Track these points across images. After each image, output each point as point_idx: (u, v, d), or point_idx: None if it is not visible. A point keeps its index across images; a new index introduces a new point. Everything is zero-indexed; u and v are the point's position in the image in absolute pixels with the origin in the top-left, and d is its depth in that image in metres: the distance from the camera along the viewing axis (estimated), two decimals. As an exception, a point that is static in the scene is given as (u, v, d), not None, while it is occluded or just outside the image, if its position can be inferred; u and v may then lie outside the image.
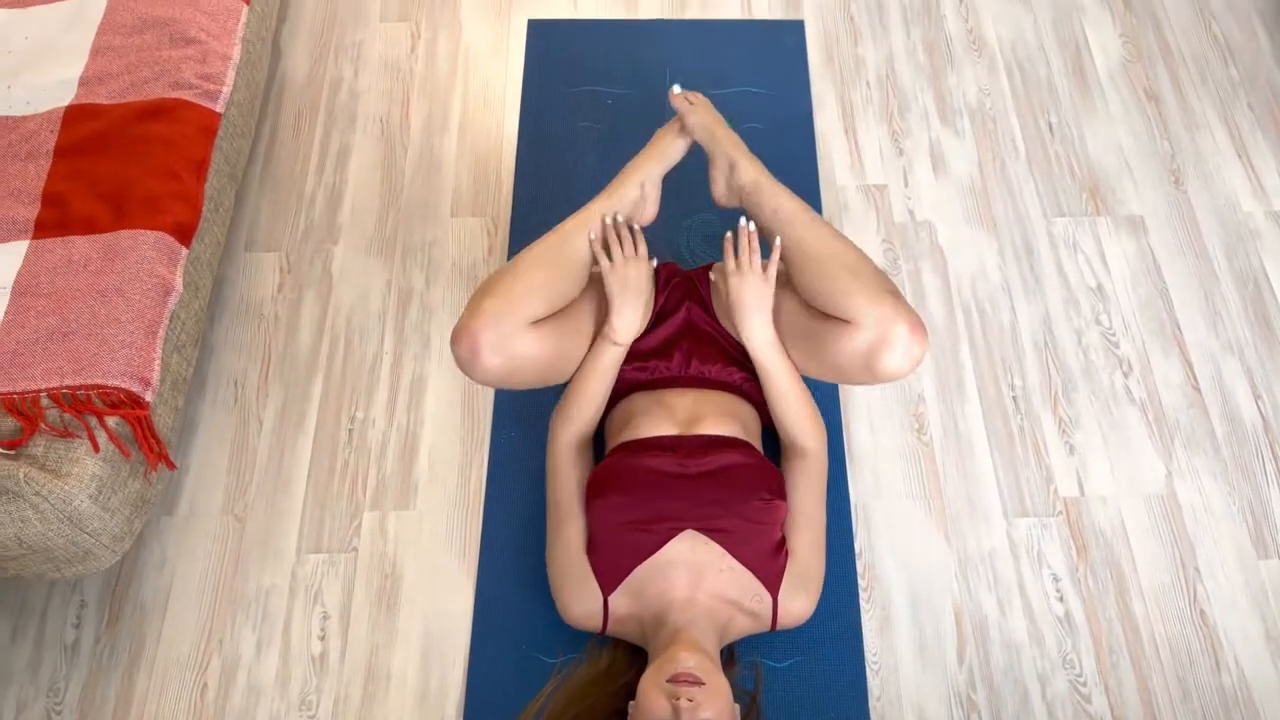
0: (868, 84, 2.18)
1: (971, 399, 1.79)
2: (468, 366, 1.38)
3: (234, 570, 1.62)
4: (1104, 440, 1.75)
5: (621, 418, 1.55)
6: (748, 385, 1.57)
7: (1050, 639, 1.57)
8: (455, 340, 1.37)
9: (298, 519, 1.67)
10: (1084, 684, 1.54)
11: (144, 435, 1.44)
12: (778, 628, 1.42)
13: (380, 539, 1.65)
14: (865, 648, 1.55)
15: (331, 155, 2.07)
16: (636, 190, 1.57)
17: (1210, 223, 1.99)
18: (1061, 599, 1.60)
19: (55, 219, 1.57)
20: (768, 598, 1.40)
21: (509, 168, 2.05)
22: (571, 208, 1.55)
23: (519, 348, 1.38)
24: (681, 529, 1.39)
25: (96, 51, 1.75)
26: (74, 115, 1.67)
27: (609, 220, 1.52)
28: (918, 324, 1.34)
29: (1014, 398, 1.79)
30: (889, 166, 2.06)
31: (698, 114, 1.60)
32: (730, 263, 1.48)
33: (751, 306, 1.47)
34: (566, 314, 1.49)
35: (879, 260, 1.93)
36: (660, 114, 2.08)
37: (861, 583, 1.61)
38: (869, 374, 1.38)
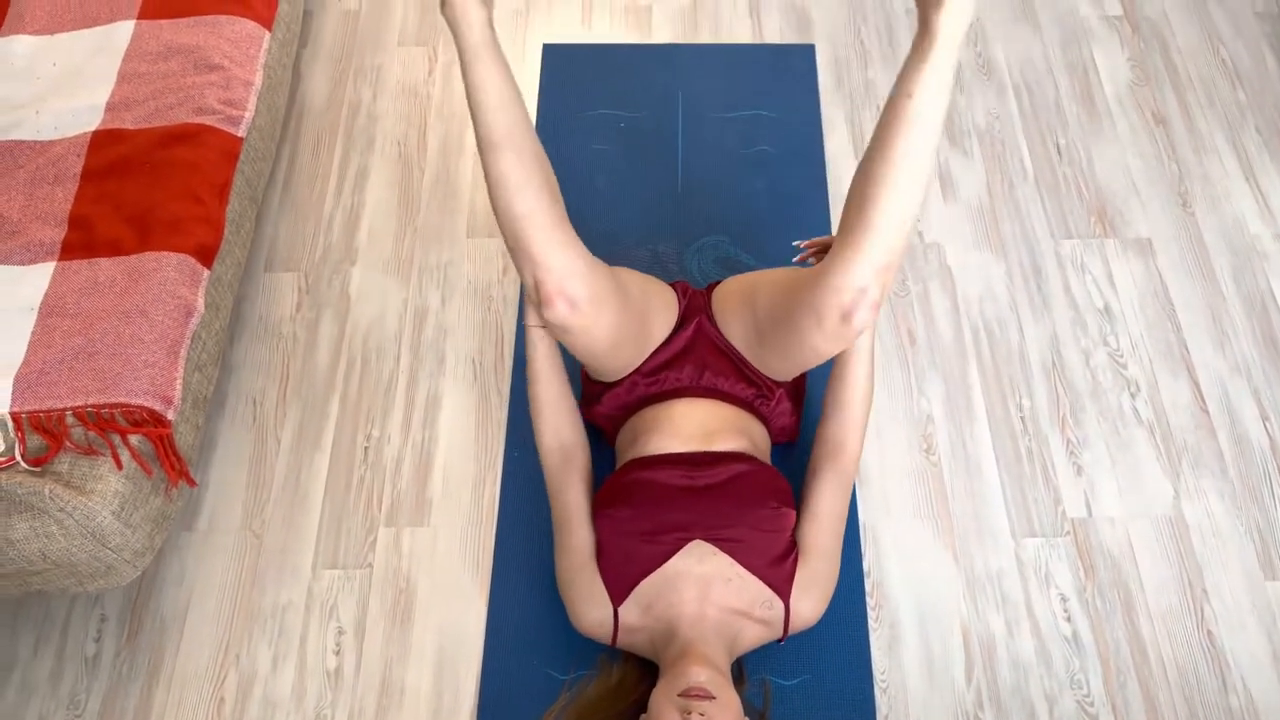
0: (878, 108, 2.20)
1: (980, 419, 1.80)
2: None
3: (251, 585, 1.65)
4: (1112, 461, 1.76)
5: (631, 434, 1.57)
6: (758, 402, 1.58)
7: (1058, 659, 1.58)
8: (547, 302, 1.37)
9: (314, 535, 1.70)
10: (1091, 704, 1.54)
11: (165, 453, 1.47)
12: (789, 633, 1.43)
13: (395, 555, 1.68)
14: (873, 666, 1.56)
15: (350, 177, 2.11)
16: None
17: (1218, 245, 2.00)
18: (1069, 619, 1.61)
19: (81, 241, 1.60)
20: (779, 604, 1.40)
21: (523, 190, 2.07)
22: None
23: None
24: (689, 539, 1.41)
25: (123, 78, 1.79)
26: (100, 140, 1.71)
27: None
28: (878, 306, 1.29)
29: (1022, 418, 1.80)
30: (898, 189, 2.08)
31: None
32: None
33: None
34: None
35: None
36: (670, 136, 2.11)
37: (870, 601, 1.62)
38: (823, 312, 1.30)
